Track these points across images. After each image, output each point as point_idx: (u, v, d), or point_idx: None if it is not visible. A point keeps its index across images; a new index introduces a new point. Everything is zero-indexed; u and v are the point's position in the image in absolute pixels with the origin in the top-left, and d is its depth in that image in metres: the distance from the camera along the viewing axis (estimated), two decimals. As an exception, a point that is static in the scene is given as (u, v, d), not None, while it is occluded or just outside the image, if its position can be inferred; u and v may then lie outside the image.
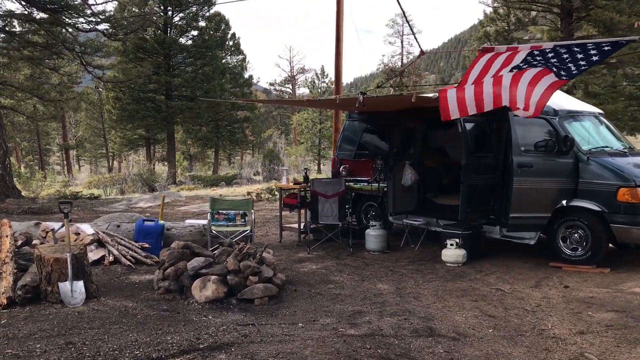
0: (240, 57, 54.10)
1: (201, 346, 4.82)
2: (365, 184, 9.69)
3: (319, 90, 45.82)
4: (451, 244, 8.14)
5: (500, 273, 7.74)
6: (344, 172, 9.99)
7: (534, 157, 7.90)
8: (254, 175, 37.48)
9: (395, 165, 9.25)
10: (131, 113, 34.81)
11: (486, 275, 7.59)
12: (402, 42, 65.76)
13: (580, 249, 7.85)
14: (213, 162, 56.96)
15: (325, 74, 47.54)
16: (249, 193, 16.35)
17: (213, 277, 6.23)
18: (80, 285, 6.05)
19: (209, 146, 52.79)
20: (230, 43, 49.99)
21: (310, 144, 43.96)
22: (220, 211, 8.63)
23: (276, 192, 16.02)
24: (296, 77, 74.08)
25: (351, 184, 9.73)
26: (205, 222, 8.48)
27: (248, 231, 8.25)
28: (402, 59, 65.07)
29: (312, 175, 31.46)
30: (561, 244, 8.01)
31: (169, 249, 6.80)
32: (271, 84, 75.31)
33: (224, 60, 44.94)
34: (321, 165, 42.40)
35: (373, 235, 9.01)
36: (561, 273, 7.69)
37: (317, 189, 9.56)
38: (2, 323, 5.37)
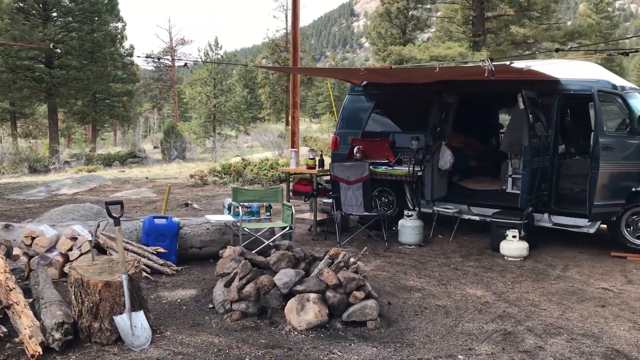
0: (121, 24, 49.82)
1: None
2: (386, 167, 8.49)
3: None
4: (513, 236, 7.24)
5: (573, 267, 7.00)
6: (358, 154, 8.71)
7: (614, 138, 7.17)
8: (139, 152, 34.45)
9: (433, 146, 8.14)
10: (6, 83, 30.42)
11: (565, 272, 6.79)
12: (286, 16, 64.39)
13: (647, 238, 7.29)
14: (90, 139, 52.29)
15: (219, 45, 44.99)
16: (192, 176, 14.47)
17: (312, 295, 4.80)
18: (141, 317, 4.37)
19: (85, 121, 48.38)
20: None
21: (204, 120, 41.50)
22: (243, 203, 7.04)
23: (224, 175, 14.34)
24: (175, 48, 70.03)
25: (370, 167, 8.48)
26: (230, 217, 6.86)
27: (287, 228, 6.77)
28: (286, 34, 63.75)
29: (204, 155, 29.45)
30: (625, 232, 7.40)
31: (233, 257, 5.23)
32: (148, 56, 70.46)
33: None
34: (216, 142, 40.08)
35: (410, 227, 7.87)
36: (631, 265, 7.09)
37: (338, 174, 8.25)
38: (60, 388, 3.62)
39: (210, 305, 5.24)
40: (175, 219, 6.66)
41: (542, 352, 4.34)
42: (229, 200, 7.45)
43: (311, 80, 68.16)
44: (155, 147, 42.98)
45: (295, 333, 4.64)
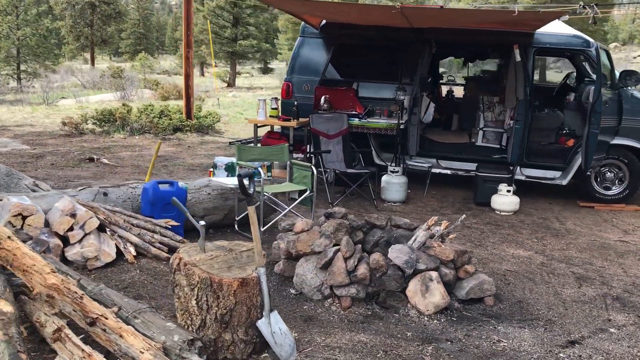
0: None
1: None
2: (359, 119, 7.89)
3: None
4: (508, 190, 7.19)
5: (563, 219, 7.21)
6: (325, 105, 7.96)
7: (607, 93, 7.34)
8: None
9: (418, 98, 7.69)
10: None
11: (564, 224, 6.97)
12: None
13: (614, 188, 7.74)
14: None
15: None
16: (64, 123, 12.19)
17: (434, 274, 4.21)
18: (278, 319, 3.44)
19: None
20: None
21: (6, 55, 35.87)
22: (244, 163, 6.00)
23: (104, 123, 12.38)
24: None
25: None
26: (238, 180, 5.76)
27: (308, 192, 5.91)
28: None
29: (8, 96, 25.69)
30: (594, 183, 7.78)
31: (323, 233, 4.37)
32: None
33: None
34: (22, 80, 34.96)
35: (397, 184, 7.44)
36: (606, 214, 7.49)
37: (318, 128, 7.49)
38: None
39: (293, 291, 4.36)
40: (182, 184, 5.45)
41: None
42: (221, 159, 6.33)
43: (120, 15, 62.79)
44: None
45: (426, 318, 4.05)
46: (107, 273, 4.56)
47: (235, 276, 3.25)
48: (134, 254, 4.81)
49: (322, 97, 7.96)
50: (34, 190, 6.16)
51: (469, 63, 11.06)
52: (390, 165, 7.53)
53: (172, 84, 24.78)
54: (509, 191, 7.19)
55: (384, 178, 7.52)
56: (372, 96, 8.24)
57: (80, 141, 11.62)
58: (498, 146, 8.26)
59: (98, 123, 12.39)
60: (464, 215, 5.02)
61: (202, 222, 3.41)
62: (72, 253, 4.51)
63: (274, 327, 3.36)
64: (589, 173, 7.57)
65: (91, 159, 9.45)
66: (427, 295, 4.12)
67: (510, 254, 5.70)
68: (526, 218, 7.10)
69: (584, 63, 8.76)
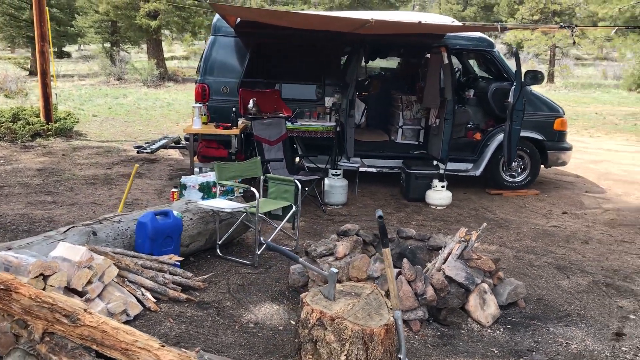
0: None
1: None
2: (293, 122, 7.75)
3: None
4: (442, 186, 7.64)
5: (490, 207, 7.82)
6: (254, 109, 7.66)
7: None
8: None
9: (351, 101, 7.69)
10: None
11: (496, 214, 7.57)
12: None
13: (518, 176, 8.59)
14: None
15: None
16: None
17: (486, 286, 4.38)
18: (407, 361, 3.34)
19: None
20: None
21: None
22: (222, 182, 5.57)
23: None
24: None
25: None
26: (235, 204, 5.30)
27: (293, 209, 5.66)
28: None
29: None
30: (502, 172, 8.53)
31: (378, 257, 4.28)
32: None
33: None
34: None
35: (340, 187, 7.46)
36: (517, 200, 8.29)
37: (260, 134, 7.21)
38: None
39: (352, 320, 4.22)
40: (177, 213, 4.90)
41: (664, 296, 4.97)
42: (190, 178, 5.77)
43: None
44: None
45: (489, 330, 4.22)
46: (138, 328, 3.97)
47: (379, 324, 3.08)
48: (153, 300, 4.26)
49: (251, 101, 7.64)
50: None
51: (369, 61, 11.34)
52: (331, 169, 7.52)
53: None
54: (443, 186, 7.61)
55: (327, 182, 7.49)
56: (296, 97, 8.12)
57: None
58: (416, 143, 8.67)
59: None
60: (485, 224, 5.23)
61: (334, 270, 3.15)
62: (97, 310, 3.85)
63: (407, 369, 3.25)
64: (515, 163, 8.26)
65: (-37, 178, 7.99)
66: (485, 308, 4.27)
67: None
68: (460, 210, 7.58)
69: (470, 61, 9.53)
